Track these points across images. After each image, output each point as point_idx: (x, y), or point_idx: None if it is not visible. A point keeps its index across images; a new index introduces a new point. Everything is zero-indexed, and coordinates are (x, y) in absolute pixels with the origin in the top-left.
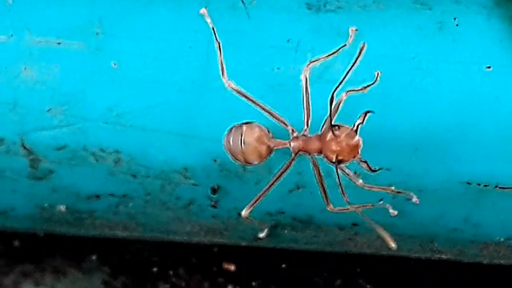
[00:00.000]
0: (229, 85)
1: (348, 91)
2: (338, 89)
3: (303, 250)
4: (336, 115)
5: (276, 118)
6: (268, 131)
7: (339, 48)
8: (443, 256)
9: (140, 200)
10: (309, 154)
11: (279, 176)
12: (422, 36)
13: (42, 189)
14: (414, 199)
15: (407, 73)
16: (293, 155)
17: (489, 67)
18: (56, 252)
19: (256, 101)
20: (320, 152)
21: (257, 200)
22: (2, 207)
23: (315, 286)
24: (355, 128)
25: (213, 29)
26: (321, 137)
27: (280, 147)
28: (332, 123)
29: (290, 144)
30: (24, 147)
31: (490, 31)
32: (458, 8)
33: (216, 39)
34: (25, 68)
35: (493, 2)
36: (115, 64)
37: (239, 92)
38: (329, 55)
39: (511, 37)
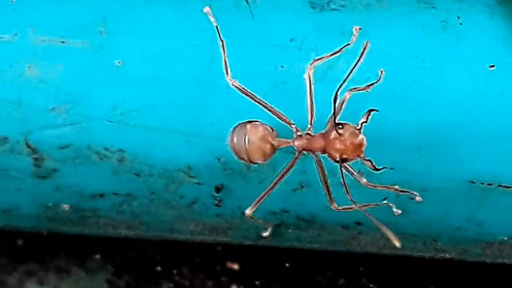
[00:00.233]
0: (232, 84)
1: (351, 90)
2: (342, 87)
3: (306, 249)
4: (340, 113)
5: (279, 117)
6: (272, 130)
7: (343, 47)
8: (447, 255)
9: (144, 199)
10: (313, 153)
11: (283, 175)
12: (425, 35)
13: (46, 188)
14: (418, 198)
15: (411, 71)
16: (297, 154)
17: (492, 66)
18: (59, 251)
19: (260, 100)
20: (324, 150)
21: (261, 199)
22: (6, 206)
23: (318, 285)
24: (359, 126)
25: (216, 27)
26: (325, 136)
27: (284, 145)
28: (336, 121)
29: (294, 143)
30: (28, 146)
31: (494, 29)
32: (462, 7)
33: (220, 37)
34: (29, 66)
35: (496, 1)
36: (119, 63)
37: (242, 91)
38: (332, 54)
39: None
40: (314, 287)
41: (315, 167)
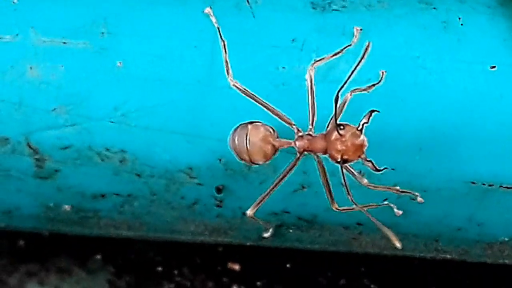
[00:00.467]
0: (234, 85)
1: (353, 91)
2: (343, 88)
3: (307, 250)
4: (341, 114)
5: (281, 117)
6: (273, 131)
7: (344, 48)
8: (448, 256)
9: (145, 199)
10: (314, 153)
11: (284, 175)
12: (426, 35)
13: (47, 188)
14: (419, 198)
15: (412, 72)
16: (298, 154)
17: (493, 67)
18: (60, 251)
19: (261, 101)
20: (325, 151)
21: (262, 199)
22: (7, 207)
23: (319, 285)
24: (360, 127)
25: (218, 28)
26: (326, 137)
27: (285, 146)
28: (337, 122)
29: (295, 144)
30: (30, 147)
31: (495, 30)
32: (463, 8)
33: (221, 38)
34: (30, 67)
35: (497, 2)
36: (120, 64)
37: (244, 92)
38: (334, 55)
39: None
40: None
41: (316, 167)
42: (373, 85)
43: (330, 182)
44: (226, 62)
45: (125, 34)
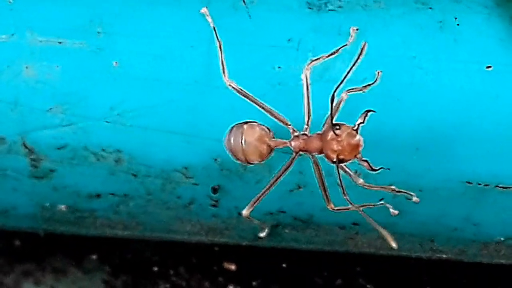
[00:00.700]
0: (229, 85)
1: (348, 90)
2: (339, 88)
3: (303, 250)
4: (337, 114)
5: (276, 117)
6: (269, 130)
7: (340, 48)
8: (444, 256)
9: (140, 199)
10: (310, 153)
11: (280, 175)
12: (423, 35)
13: (43, 188)
14: (414, 198)
15: (408, 72)
16: (293, 154)
17: (489, 67)
18: (56, 251)
19: (257, 101)
20: (320, 151)
21: (257, 199)
22: (3, 206)
23: (315, 285)
24: (356, 127)
25: (214, 28)
26: (322, 136)
27: (281, 146)
28: (333, 122)
29: (290, 144)
30: (25, 146)
31: (491, 30)
32: (459, 8)
33: (217, 38)
34: (26, 67)
35: (494, 2)
36: (116, 64)
37: (239, 92)
38: (330, 55)
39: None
40: None
41: (312, 167)
42: (369, 85)
43: (325, 182)
44: (222, 62)
45: (121, 34)
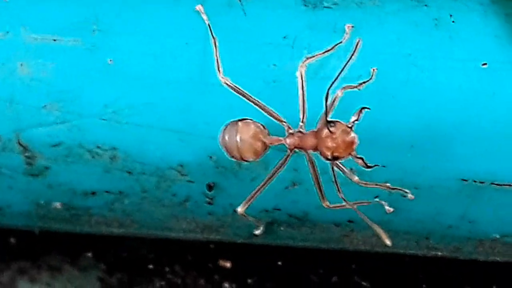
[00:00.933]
0: (224, 82)
1: (343, 88)
2: (334, 85)
3: (299, 247)
4: (332, 111)
5: (271, 114)
6: (264, 128)
7: (335, 45)
8: (439, 253)
9: (136, 197)
10: (305, 150)
11: (275, 172)
12: (418, 32)
13: (38, 186)
14: (409, 195)
15: (403, 69)
16: (288, 151)
17: (485, 64)
18: (52, 249)
19: (252, 98)
20: (315, 148)
21: (253, 196)
22: None
23: (311, 283)
24: (350, 124)
25: (209, 25)
26: (317, 134)
27: (276, 143)
28: (328, 119)
29: (285, 141)
30: (20, 144)
31: (486, 27)
32: (454, 5)
33: (212, 35)
34: (21, 64)
35: None
36: (111, 61)
37: (234, 89)
38: (325, 52)
39: (507, 34)
40: (307, 285)
41: (307, 165)
42: (364, 82)
43: (321, 179)
44: (217, 59)
45: (116, 31)
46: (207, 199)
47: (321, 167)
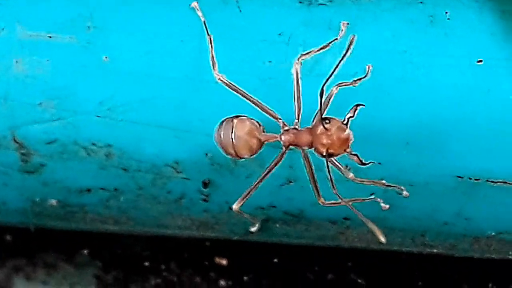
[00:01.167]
0: (219, 79)
1: (339, 85)
2: (328, 81)
3: (294, 244)
4: (327, 108)
5: (267, 111)
6: (259, 125)
7: (330, 42)
8: (435, 250)
9: (131, 194)
10: (300, 147)
11: (270, 169)
12: (413, 29)
13: (33, 183)
14: (404, 192)
15: (399, 66)
16: (284, 148)
17: (480, 61)
18: (47, 246)
19: (247, 95)
20: (310, 145)
21: (248, 193)
22: None
23: (306, 280)
24: (345, 121)
25: (204, 22)
26: (312, 131)
27: (271, 140)
28: (323, 116)
29: (281, 138)
30: (15, 141)
31: (482, 24)
32: (450, 2)
33: (207, 32)
34: (16, 61)
35: None
36: (106, 58)
37: (229, 86)
38: (320, 49)
39: (503, 31)
40: (302, 283)
41: (302, 162)
42: (359, 79)
43: (316, 176)
44: (212, 56)
45: (112, 28)
46: (203, 196)
47: (317, 164)
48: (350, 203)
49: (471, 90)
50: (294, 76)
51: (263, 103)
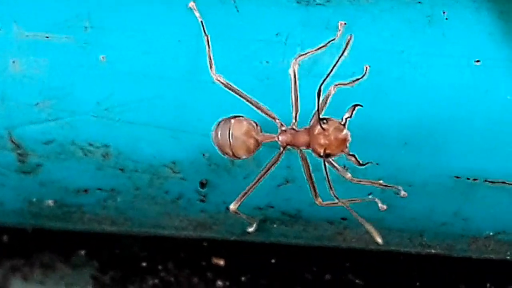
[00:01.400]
0: (217, 79)
1: (336, 85)
2: (326, 81)
3: (292, 245)
4: (325, 109)
5: (264, 111)
6: (257, 125)
7: (328, 42)
8: (432, 251)
9: (128, 194)
10: (298, 147)
11: (268, 170)
12: (411, 29)
13: (30, 183)
14: (402, 192)
15: (396, 67)
16: (281, 149)
17: (478, 61)
18: (44, 247)
19: (245, 95)
20: (308, 145)
21: (245, 194)
22: None
23: (304, 280)
24: (343, 121)
25: (201, 22)
26: (309, 131)
27: (269, 140)
28: (320, 116)
29: (278, 138)
30: (12, 141)
31: (479, 24)
32: (448, 2)
33: (205, 32)
34: (13, 61)
35: None
36: (103, 58)
37: (227, 86)
38: (317, 49)
39: (500, 31)
40: (300, 283)
41: (300, 162)
42: (357, 79)
43: (313, 177)
44: (210, 56)
45: (109, 28)
46: (200, 197)
47: (314, 164)
48: (348, 203)
49: (469, 90)
50: (292, 76)
51: (260, 103)
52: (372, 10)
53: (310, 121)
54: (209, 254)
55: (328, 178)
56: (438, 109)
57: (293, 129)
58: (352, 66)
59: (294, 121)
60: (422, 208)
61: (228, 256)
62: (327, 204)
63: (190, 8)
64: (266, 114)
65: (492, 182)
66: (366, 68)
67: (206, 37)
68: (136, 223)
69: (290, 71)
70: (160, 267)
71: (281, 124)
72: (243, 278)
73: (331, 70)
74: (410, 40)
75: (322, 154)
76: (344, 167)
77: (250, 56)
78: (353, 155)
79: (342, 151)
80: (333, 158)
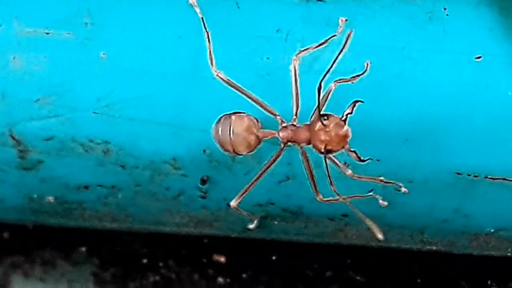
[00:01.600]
0: (217, 75)
1: (337, 81)
2: (326, 77)
3: (293, 241)
4: (325, 105)
5: (265, 108)
6: (257, 121)
7: (329, 38)
8: (433, 247)
9: (129, 191)
10: (298, 144)
11: (269, 166)
12: (412, 26)
13: (31, 180)
14: (403, 189)
15: (397, 63)
16: (282, 145)
17: (479, 57)
18: (45, 243)
19: (245, 91)
20: (309, 142)
21: (246, 190)
22: None
23: (305, 277)
24: (344, 118)
25: (202, 18)
26: (310, 127)
27: (269, 137)
28: (321, 112)
29: (279, 134)
30: (13, 138)
31: (480, 20)
32: None
33: (205, 28)
34: (13, 58)
35: None
36: (104, 55)
37: (227, 82)
38: (318, 45)
39: (501, 27)
40: (301, 280)
41: (300, 158)
42: (358, 75)
43: (314, 173)
44: (210, 52)
45: (109, 24)
46: (201, 193)
47: (315, 160)
48: (348, 200)
49: (470, 87)
50: (292, 72)
51: (261, 100)
52: (373, 6)
53: (311, 117)
54: (210, 251)
55: (329, 174)
56: (439, 105)
57: (294, 125)
58: (352, 62)
59: (294, 117)
60: (423, 204)
61: (229, 253)
62: (328, 200)
63: (190, 4)
64: (267, 110)
65: (493, 178)
66: (367, 64)
67: (206, 34)
68: (137, 219)
69: (291, 68)
70: (161, 264)
71: (282, 121)
72: (244, 275)
73: (331, 66)
74: (411, 36)
75: (323, 150)
76: (345, 163)
77: (250, 52)
78: (354, 151)
79: (343, 147)
80: (333, 154)
